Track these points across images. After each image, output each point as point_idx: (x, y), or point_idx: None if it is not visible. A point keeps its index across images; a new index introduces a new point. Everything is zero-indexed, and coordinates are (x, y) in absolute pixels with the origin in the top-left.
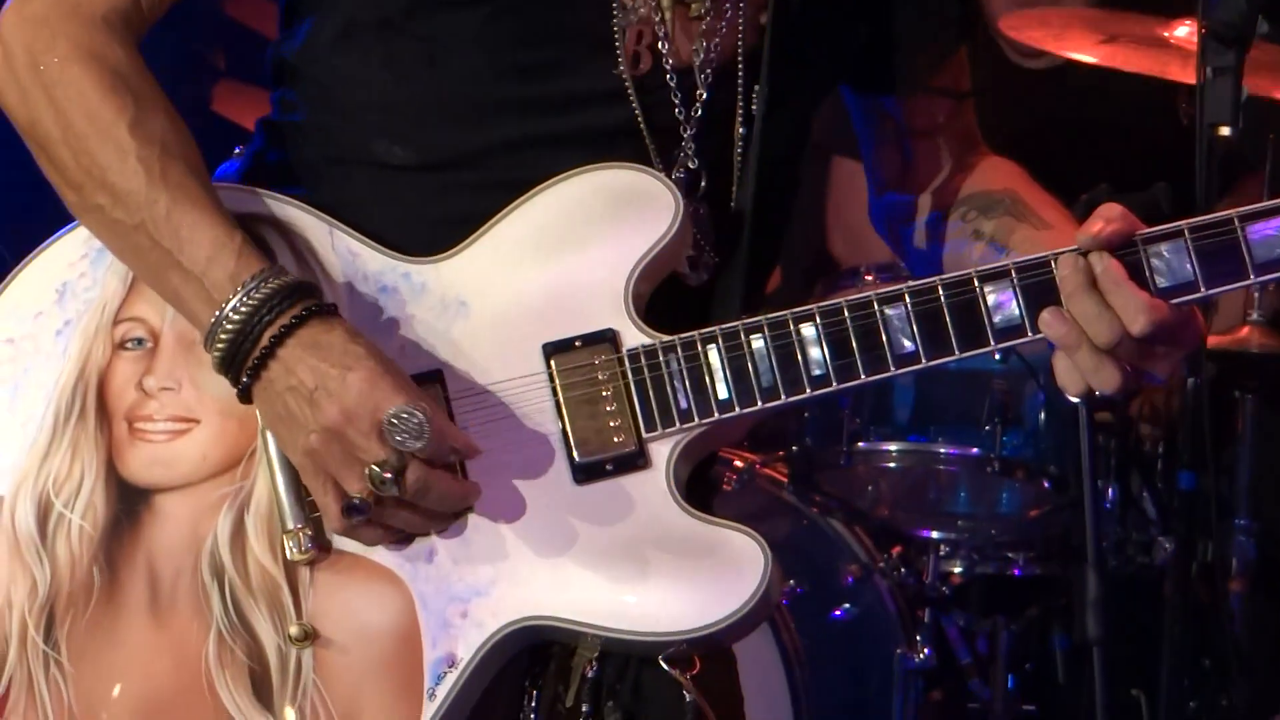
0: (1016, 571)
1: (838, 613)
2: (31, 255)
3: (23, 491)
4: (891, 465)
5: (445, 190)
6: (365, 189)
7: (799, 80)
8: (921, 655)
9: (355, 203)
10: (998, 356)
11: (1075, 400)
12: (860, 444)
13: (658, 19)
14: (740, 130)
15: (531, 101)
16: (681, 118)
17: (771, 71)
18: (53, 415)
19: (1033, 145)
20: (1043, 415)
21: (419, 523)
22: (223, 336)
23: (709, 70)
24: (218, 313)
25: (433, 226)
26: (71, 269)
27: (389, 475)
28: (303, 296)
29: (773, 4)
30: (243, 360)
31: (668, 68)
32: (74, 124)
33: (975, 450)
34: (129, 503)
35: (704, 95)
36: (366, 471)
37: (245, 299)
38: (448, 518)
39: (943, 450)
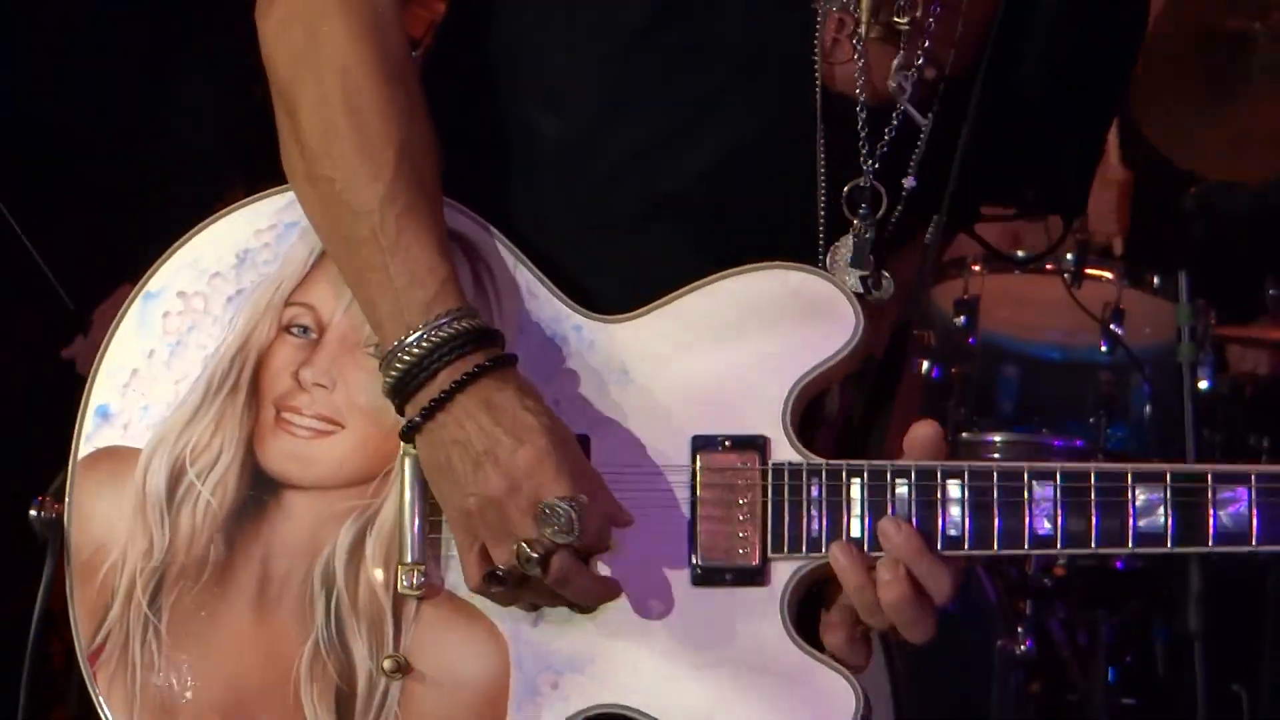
0: (1119, 564)
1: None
2: (223, 212)
3: (160, 451)
4: (995, 456)
5: (595, 165)
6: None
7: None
8: (1022, 647)
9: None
10: (1104, 348)
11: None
12: (964, 434)
13: (856, 17)
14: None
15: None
16: (865, 134)
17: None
18: (206, 381)
19: None
20: (1148, 408)
21: (553, 603)
22: (400, 362)
23: (908, 85)
24: (404, 337)
25: (580, 201)
26: (257, 237)
27: (535, 556)
28: (485, 345)
29: (998, 22)
30: (412, 393)
31: (859, 76)
32: (335, 102)
33: (1080, 442)
34: (258, 490)
35: (900, 111)
36: (514, 548)
37: (431, 333)
38: (580, 607)
39: (1047, 441)
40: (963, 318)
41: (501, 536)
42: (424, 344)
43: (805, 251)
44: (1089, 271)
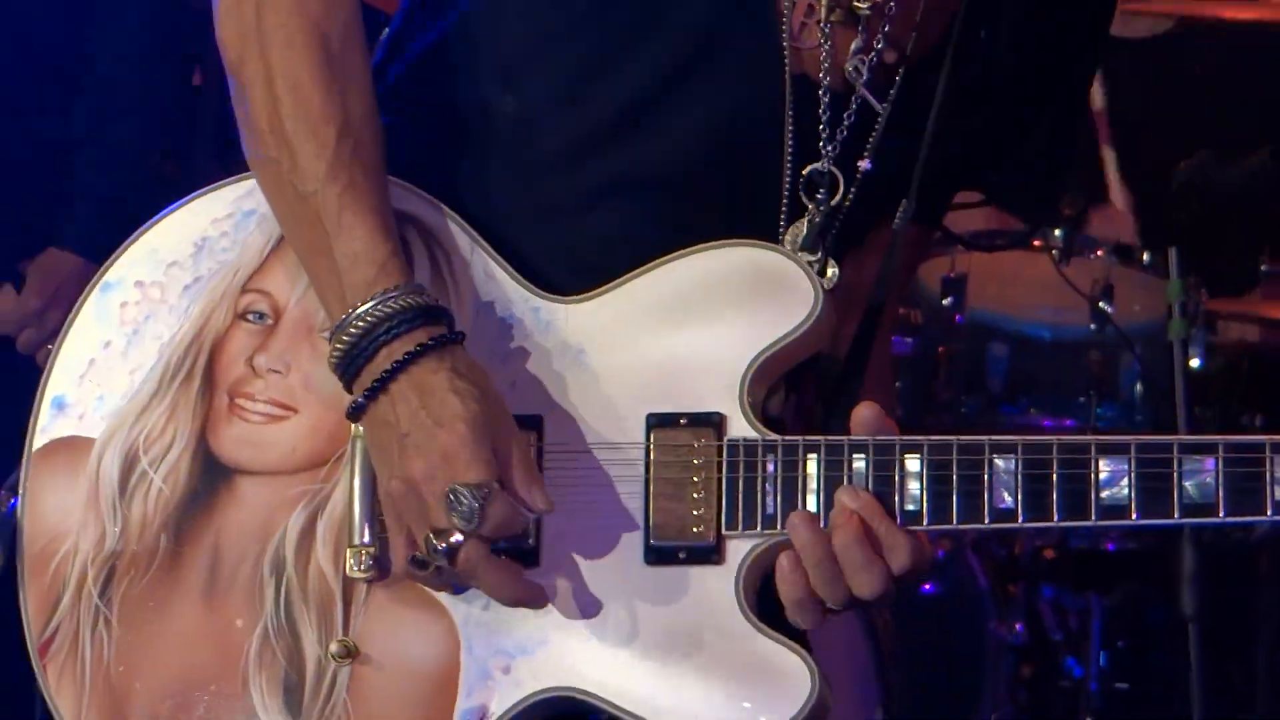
0: (1110, 546)
1: (927, 586)
2: (182, 201)
3: (115, 440)
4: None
5: (553, 144)
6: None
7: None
8: (1013, 631)
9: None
10: (1093, 326)
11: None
12: (953, 415)
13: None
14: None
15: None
16: (825, 118)
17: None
18: (161, 370)
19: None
20: (1139, 386)
21: (479, 589)
22: (343, 340)
23: (865, 70)
24: (345, 315)
25: (534, 171)
26: (215, 226)
27: (441, 547)
28: (429, 322)
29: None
30: (356, 372)
31: (824, 60)
32: (278, 81)
33: (1070, 421)
34: (211, 477)
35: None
36: (423, 536)
37: (375, 309)
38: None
39: (1037, 421)
40: (950, 296)
41: (420, 520)
42: (364, 321)
43: (765, 234)
44: (1078, 248)
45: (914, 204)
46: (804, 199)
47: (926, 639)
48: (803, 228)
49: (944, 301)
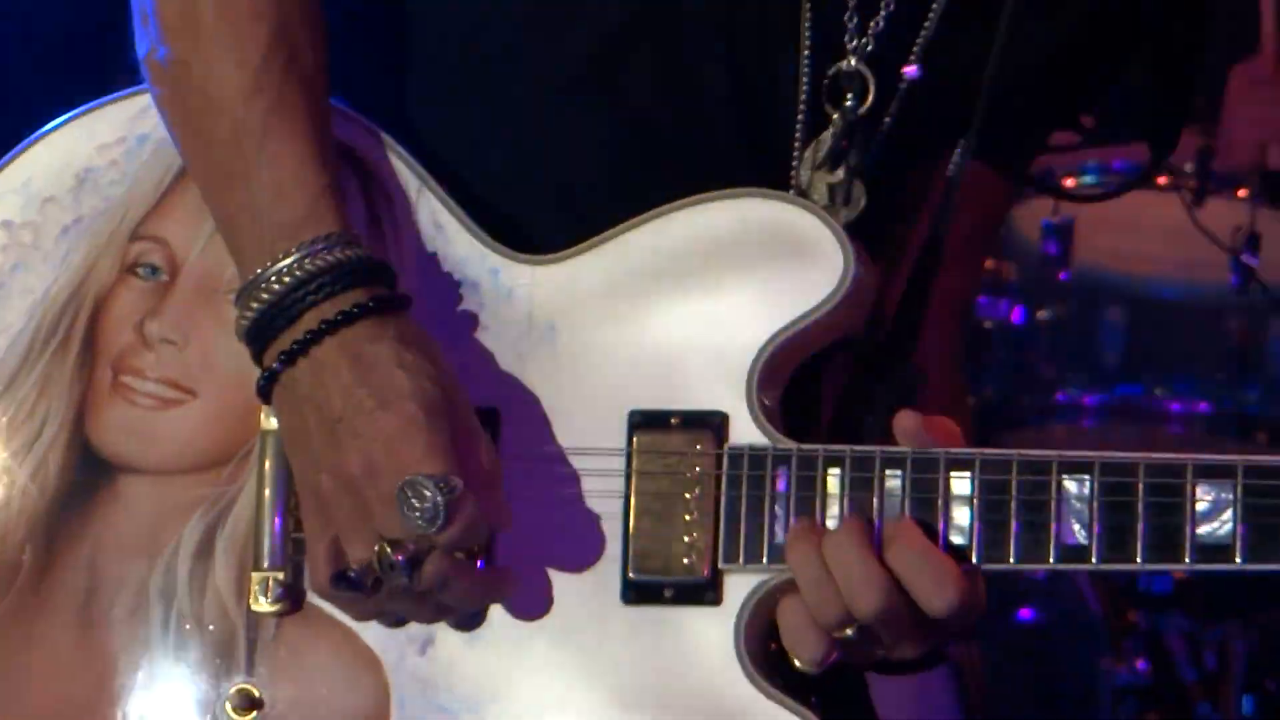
0: None
1: (1024, 613)
2: (60, 121)
3: None
4: (1096, 424)
5: (521, 52)
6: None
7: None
8: (1134, 669)
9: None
10: (1234, 284)
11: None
12: (1057, 395)
13: None
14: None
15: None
16: (853, 4)
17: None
18: (30, 333)
19: None
20: None
21: (423, 615)
22: (258, 300)
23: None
24: (262, 268)
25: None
26: (102, 153)
27: (400, 560)
28: (367, 281)
29: None
30: (270, 338)
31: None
32: None
33: (1204, 406)
34: (88, 474)
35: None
36: (375, 547)
37: (300, 263)
38: (460, 614)
39: (1161, 405)
40: (1053, 245)
41: (358, 526)
42: (288, 276)
43: (778, 151)
44: (1214, 187)
45: (975, 138)
46: (827, 106)
47: (1024, 679)
48: (825, 140)
49: (1045, 253)
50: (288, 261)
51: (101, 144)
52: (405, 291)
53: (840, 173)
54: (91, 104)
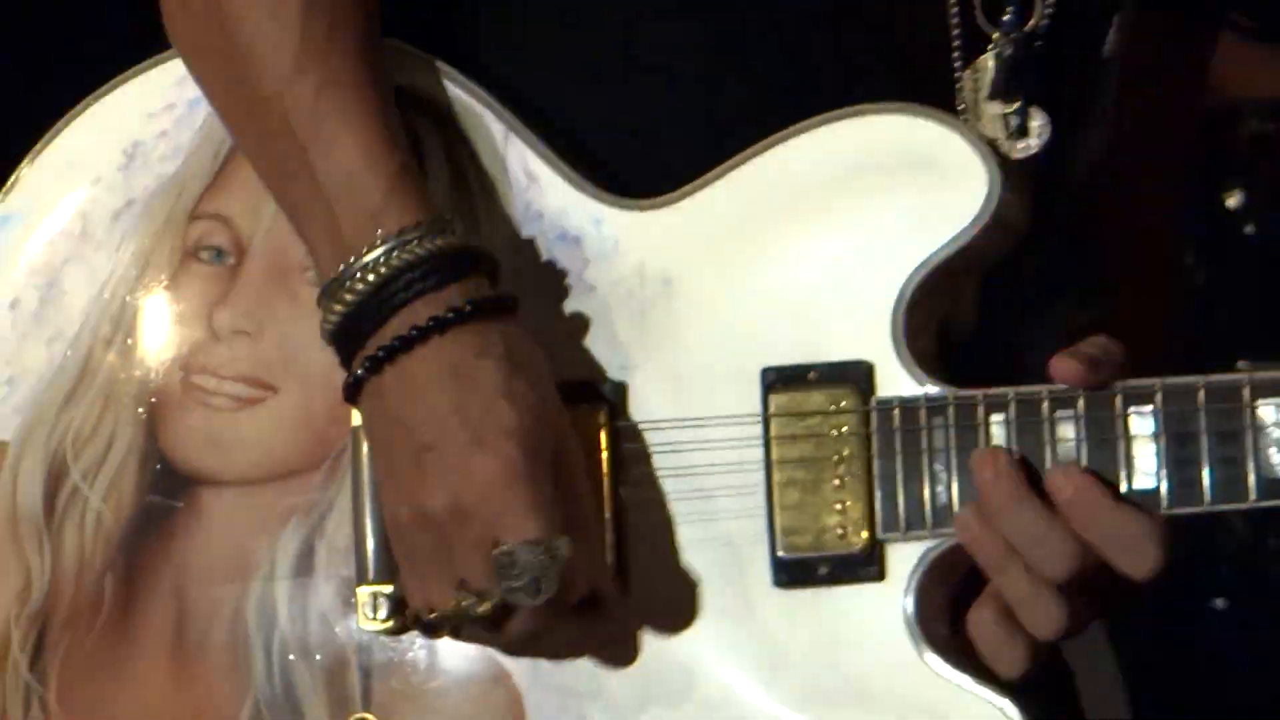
0: None
1: (1217, 602)
2: (100, 92)
3: (32, 443)
4: None
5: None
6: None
7: None
8: None
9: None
10: None
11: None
12: (1240, 363)
13: None
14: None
15: None
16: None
17: None
18: (89, 338)
19: None
20: None
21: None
22: (344, 301)
23: None
24: (344, 265)
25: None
26: (150, 124)
27: (480, 613)
28: (467, 273)
29: None
30: (358, 344)
31: None
32: None
33: None
34: (166, 491)
35: None
36: (457, 598)
37: (388, 256)
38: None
39: None
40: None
41: (441, 570)
42: (374, 274)
43: (935, 79)
44: None
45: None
46: (983, 24)
47: (1203, 676)
48: (986, 67)
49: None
50: (373, 255)
51: (149, 112)
52: (508, 291)
53: (1016, 101)
54: (133, 70)
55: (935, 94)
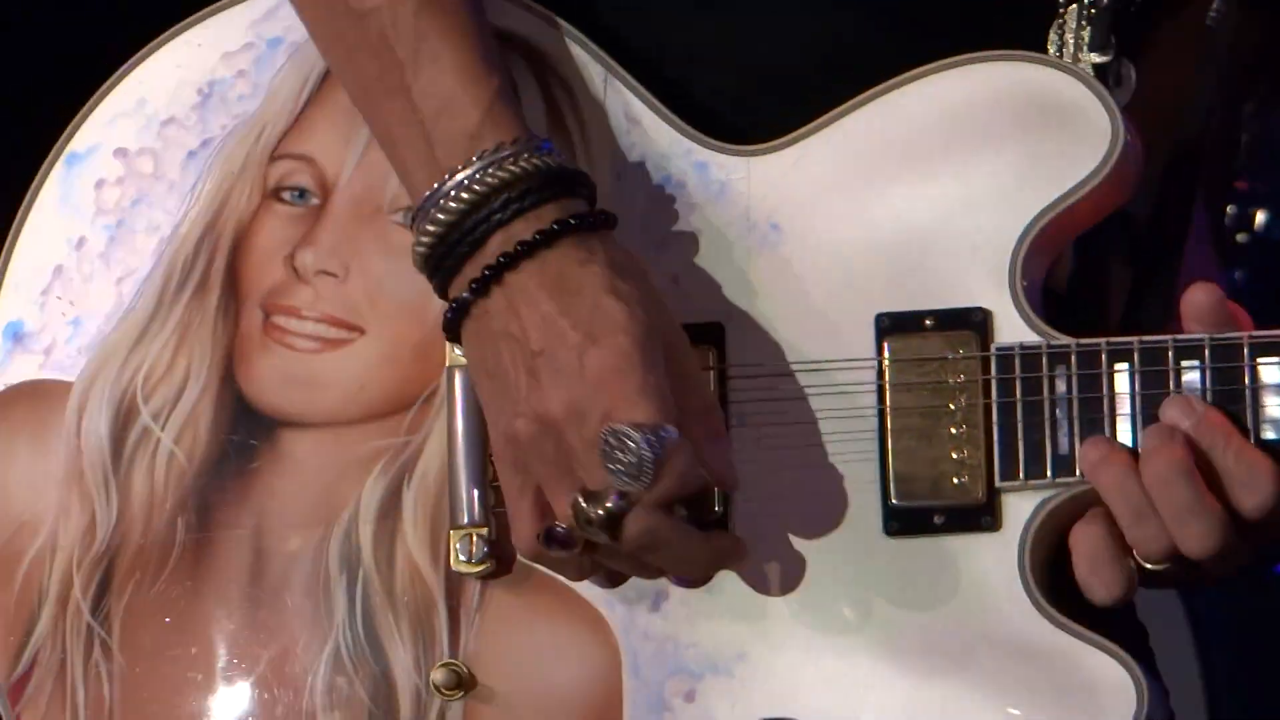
0: None
1: None
2: (175, 30)
3: (100, 383)
4: None
5: None
6: None
7: None
8: None
9: None
10: None
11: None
12: None
13: None
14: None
15: None
16: None
17: None
18: (161, 277)
19: None
20: None
21: (646, 572)
22: (435, 222)
23: None
24: (438, 184)
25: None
26: (227, 64)
27: (599, 514)
28: (565, 193)
29: None
30: (454, 266)
31: None
32: None
33: None
34: (245, 432)
35: None
36: (571, 500)
37: (483, 174)
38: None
39: None
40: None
41: (563, 475)
42: (468, 193)
43: (1030, 33)
44: None
45: None
46: None
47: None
48: (1078, 19)
49: None
50: (467, 173)
51: (226, 52)
52: (606, 209)
53: (1110, 52)
54: (209, 9)
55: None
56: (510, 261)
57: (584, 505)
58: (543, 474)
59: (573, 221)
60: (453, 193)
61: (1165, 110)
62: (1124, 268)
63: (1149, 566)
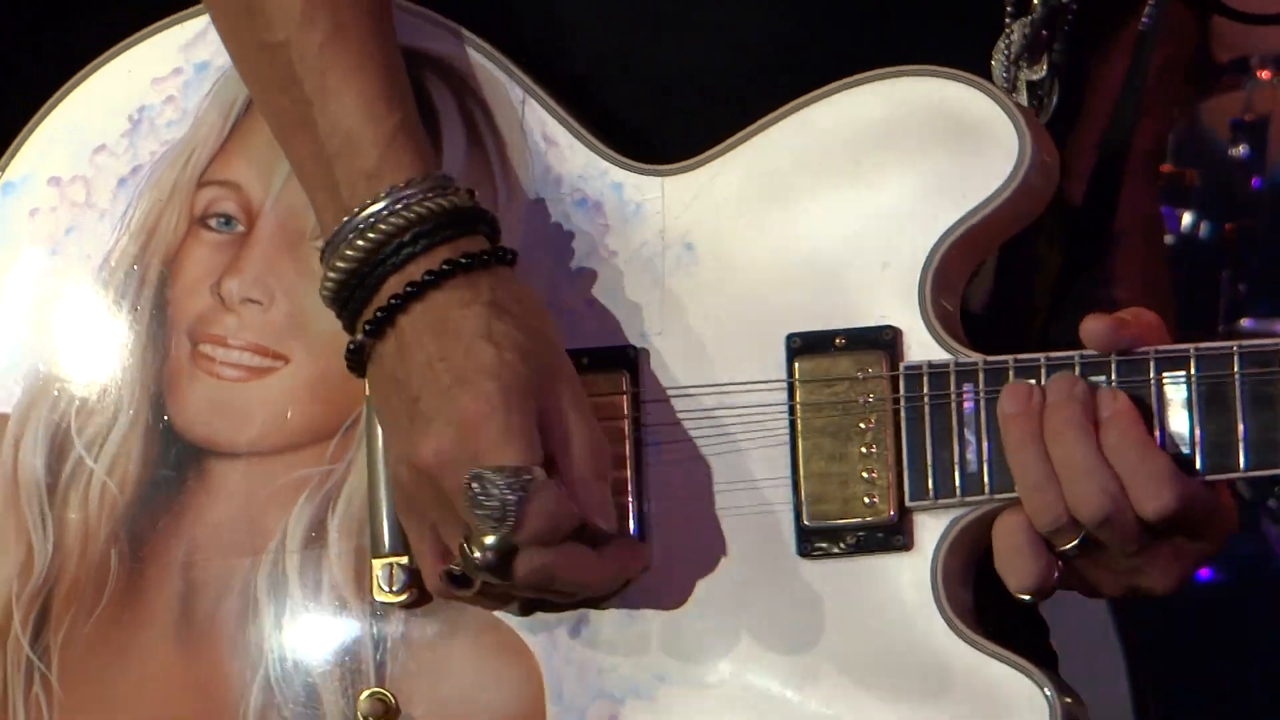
0: None
1: (1204, 573)
2: (106, 55)
3: (35, 414)
4: None
5: None
6: None
7: None
8: None
9: None
10: None
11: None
12: (1244, 321)
13: None
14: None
15: None
16: None
17: None
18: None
19: None
20: None
21: (554, 599)
22: (342, 261)
23: None
24: (345, 220)
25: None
26: (156, 89)
27: (483, 557)
28: (461, 233)
29: None
30: (357, 308)
31: None
32: None
33: None
34: (175, 462)
35: None
36: (459, 545)
37: (384, 214)
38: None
39: None
40: (1243, 147)
41: (446, 522)
42: (368, 236)
43: (976, 45)
44: None
45: None
46: None
47: (1205, 650)
48: (1014, 33)
49: (1233, 153)
50: (369, 212)
51: (155, 78)
52: (505, 246)
53: (1043, 68)
54: (138, 35)
55: (978, 61)
56: (401, 304)
57: (469, 550)
58: (434, 517)
59: (463, 261)
60: (354, 234)
61: (1098, 116)
62: (1048, 275)
63: (1061, 549)
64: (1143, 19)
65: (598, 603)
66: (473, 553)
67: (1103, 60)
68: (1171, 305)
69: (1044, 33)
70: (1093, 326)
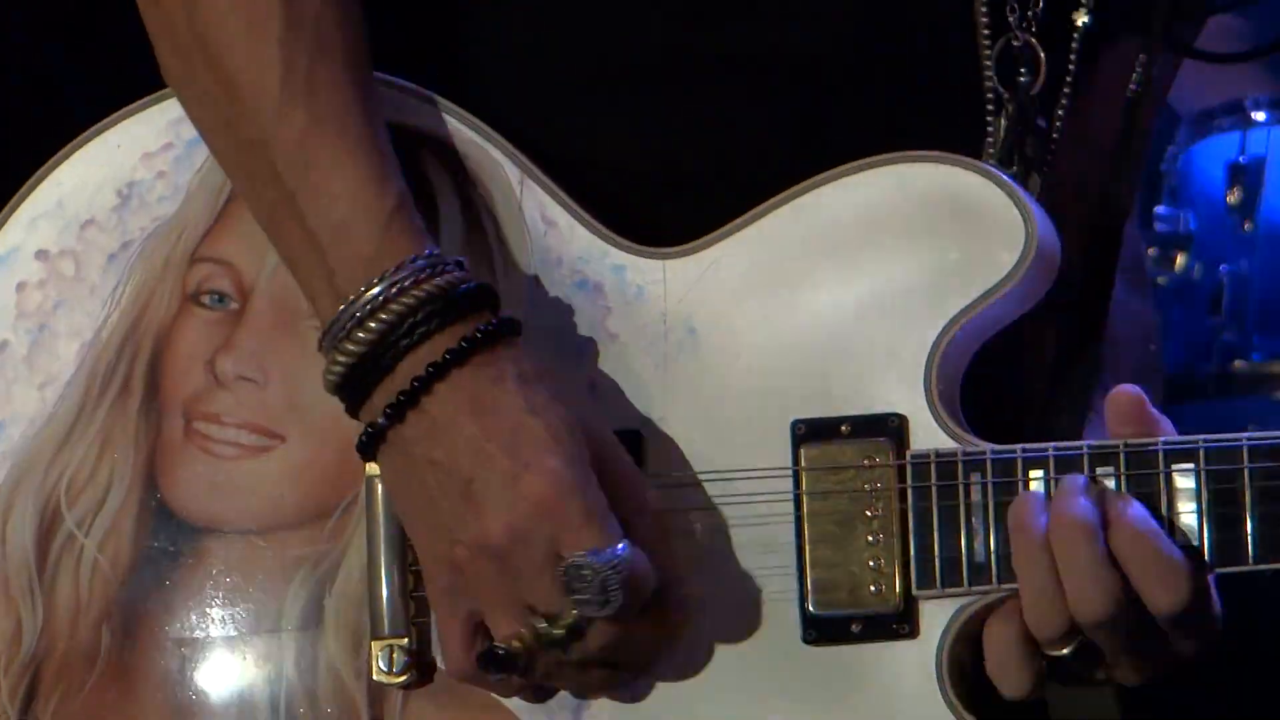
0: None
1: None
2: (95, 129)
3: (24, 489)
4: None
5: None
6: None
7: None
8: None
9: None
10: None
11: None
12: (1238, 363)
13: None
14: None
15: None
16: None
17: None
18: (84, 382)
19: None
20: None
21: (587, 683)
22: (346, 351)
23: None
24: (343, 307)
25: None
26: (147, 165)
27: (560, 634)
28: (470, 308)
29: None
30: (366, 392)
31: None
32: None
33: None
34: (168, 539)
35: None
36: (530, 624)
37: (388, 298)
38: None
39: None
40: (1237, 190)
41: (508, 601)
42: (375, 321)
43: (967, 140)
44: None
45: (1165, 25)
46: (997, 85)
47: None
48: (999, 129)
49: (1229, 199)
50: (370, 296)
51: (145, 153)
52: (511, 315)
53: (1014, 168)
54: (129, 109)
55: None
56: (424, 385)
57: (547, 627)
58: (484, 598)
59: (480, 334)
60: (358, 319)
61: (1089, 184)
62: (1041, 354)
63: (1052, 654)
64: (1130, 85)
65: (638, 675)
66: (551, 628)
67: (1095, 126)
68: (1159, 373)
69: (1018, 129)
70: (1123, 399)
